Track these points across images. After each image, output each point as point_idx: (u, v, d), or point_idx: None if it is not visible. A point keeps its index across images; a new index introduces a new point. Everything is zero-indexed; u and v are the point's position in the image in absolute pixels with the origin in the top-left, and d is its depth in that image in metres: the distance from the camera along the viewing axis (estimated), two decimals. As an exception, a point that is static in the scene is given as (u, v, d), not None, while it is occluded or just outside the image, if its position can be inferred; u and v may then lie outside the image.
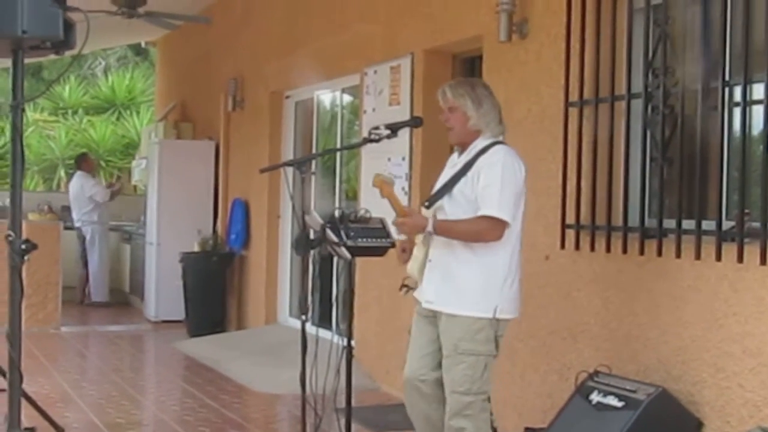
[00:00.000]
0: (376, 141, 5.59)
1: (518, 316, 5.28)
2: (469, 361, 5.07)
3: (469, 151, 5.21)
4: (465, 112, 5.18)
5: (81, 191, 14.64)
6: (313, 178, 10.66)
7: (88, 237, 14.62)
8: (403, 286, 5.47)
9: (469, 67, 8.09)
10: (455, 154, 5.36)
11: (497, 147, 5.15)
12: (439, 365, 5.23)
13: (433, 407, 5.28)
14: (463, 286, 5.10)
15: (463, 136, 5.23)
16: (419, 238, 5.27)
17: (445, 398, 5.19)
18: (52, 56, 5.06)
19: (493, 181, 5.02)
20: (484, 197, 5.03)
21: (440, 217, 5.14)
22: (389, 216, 5.38)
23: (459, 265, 5.12)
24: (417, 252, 5.29)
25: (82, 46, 4.68)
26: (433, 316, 5.25)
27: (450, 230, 5.08)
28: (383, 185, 5.22)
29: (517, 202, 5.11)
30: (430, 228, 5.04)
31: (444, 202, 5.16)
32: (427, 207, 5.21)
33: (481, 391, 5.11)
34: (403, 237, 5.49)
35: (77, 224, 14.64)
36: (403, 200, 8.19)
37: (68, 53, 5.03)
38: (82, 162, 15.12)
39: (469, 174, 5.11)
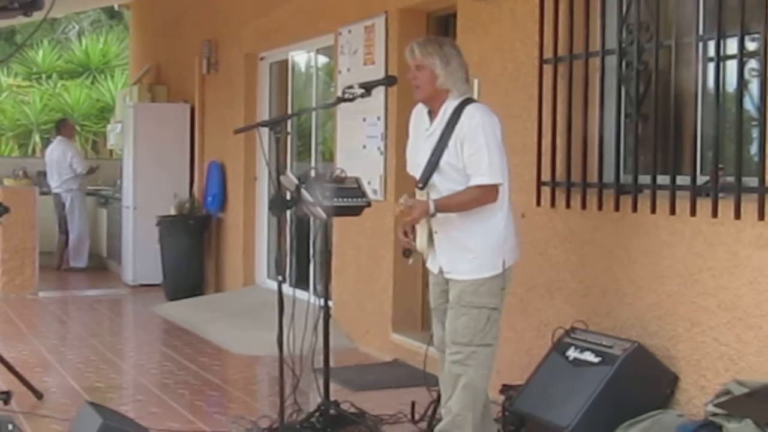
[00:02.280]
0: (350, 100, 5.57)
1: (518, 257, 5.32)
2: (471, 314, 5.10)
3: (442, 115, 5.16)
4: (433, 71, 5.14)
5: (63, 157, 14.49)
6: (289, 139, 10.62)
7: (67, 203, 14.52)
8: (405, 250, 5.45)
9: (443, 25, 8.07)
10: (424, 116, 5.31)
11: (470, 108, 5.11)
12: None
13: None
14: (474, 253, 5.12)
15: (430, 94, 5.19)
16: None
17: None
18: (22, 18, 4.99)
19: (479, 147, 5.01)
20: (472, 165, 5.03)
21: (432, 193, 5.13)
22: (365, 176, 5.37)
23: (463, 235, 5.14)
24: (420, 230, 5.28)
25: (50, 7, 4.63)
26: (445, 282, 5.28)
27: (450, 206, 5.08)
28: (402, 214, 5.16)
29: (502, 158, 5.10)
30: (432, 210, 5.04)
31: (434, 179, 5.14)
32: (421, 188, 5.18)
33: (484, 343, 5.13)
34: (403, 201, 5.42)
35: (56, 190, 14.54)
36: (379, 161, 8.20)
37: (37, 14, 4.97)
38: (62, 127, 15.00)
39: (451, 144, 5.08)
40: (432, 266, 5.36)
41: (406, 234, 5.35)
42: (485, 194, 5.05)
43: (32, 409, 6.49)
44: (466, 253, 5.14)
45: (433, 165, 5.14)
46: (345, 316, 8.67)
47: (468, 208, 5.09)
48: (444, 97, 5.17)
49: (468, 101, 5.15)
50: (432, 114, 5.24)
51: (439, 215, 5.11)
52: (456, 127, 5.08)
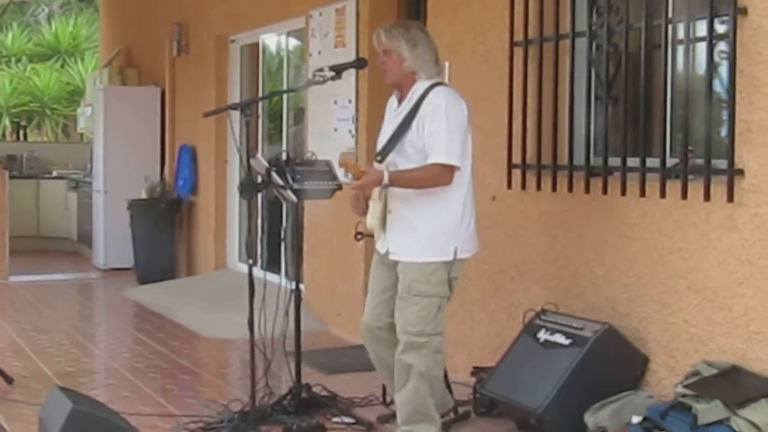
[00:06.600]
0: (320, 83, 5.56)
1: (477, 251, 5.31)
2: (422, 303, 5.10)
3: (410, 98, 5.18)
4: (400, 54, 5.15)
5: None
6: (260, 122, 10.60)
7: None
8: (358, 233, 5.45)
9: (414, 8, 8.04)
10: (394, 101, 5.34)
11: (437, 90, 5.12)
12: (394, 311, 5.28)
13: (389, 350, 5.30)
14: (422, 235, 5.12)
15: (399, 77, 5.21)
16: (375, 193, 5.24)
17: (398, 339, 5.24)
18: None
19: (439, 126, 5.02)
20: (431, 144, 5.03)
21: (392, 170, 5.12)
22: (336, 159, 5.35)
23: (416, 215, 5.13)
24: (374, 206, 5.26)
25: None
26: (393, 264, 5.26)
27: (404, 180, 5.07)
28: (347, 163, 5.11)
29: (463, 144, 5.11)
30: (386, 180, 5.01)
31: (394, 157, 5.14)
32: (380, 161, 5.18)
33: (436, 332, 5.14)
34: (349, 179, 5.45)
35: None
36: (350, 143, 8.18)
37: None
38: None
39: (414, 123, 5.09)
40: (380, 246, 5.36)
41: (358, 199, 5.33)
42: (441, 174, 5.04)
43: (3, 393, 6.46)
44: (413, 234, 5.13)
45: (394, 141, 5.15)
46: (317, 300, 8.67)
47: (422, 186, 5.09)
48: (412, 80, 5.18)
49: (437, 84, 5.16)
50: (402, 98, 5.25)
51: (396, 191, 5.11)
52: (421, 107, 5.09)
